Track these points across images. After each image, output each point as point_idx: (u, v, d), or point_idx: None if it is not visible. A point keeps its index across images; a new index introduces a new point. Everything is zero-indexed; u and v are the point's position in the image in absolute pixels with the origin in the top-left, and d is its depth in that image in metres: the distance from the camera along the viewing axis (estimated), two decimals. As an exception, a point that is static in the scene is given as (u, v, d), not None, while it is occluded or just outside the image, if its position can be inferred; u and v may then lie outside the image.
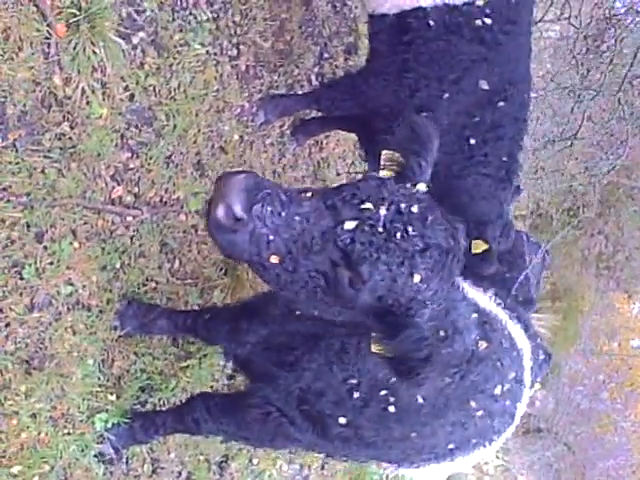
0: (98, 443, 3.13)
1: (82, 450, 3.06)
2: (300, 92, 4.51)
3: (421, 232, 2.03)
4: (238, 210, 1.91)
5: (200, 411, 3.02)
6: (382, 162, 2.24)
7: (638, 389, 10.59)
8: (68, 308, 2.99)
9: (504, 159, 3.43)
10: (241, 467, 4.07)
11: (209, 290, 3.71)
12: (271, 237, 1.98)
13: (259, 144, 4.20)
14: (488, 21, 3.28)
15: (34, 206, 2.82)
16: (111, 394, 3.18)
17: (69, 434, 3.01)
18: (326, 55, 4.94)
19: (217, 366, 3.80)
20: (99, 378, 3.13)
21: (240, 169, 2.11)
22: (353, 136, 4.64)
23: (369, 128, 3.79)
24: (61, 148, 2.94)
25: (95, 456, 3.12)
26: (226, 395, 3.53)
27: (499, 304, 2.92)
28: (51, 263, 2.91)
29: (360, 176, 2.38)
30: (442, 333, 2.18)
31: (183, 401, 3.39)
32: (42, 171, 2.87)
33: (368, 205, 2.03)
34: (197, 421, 3.04)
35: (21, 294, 2.82)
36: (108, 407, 3.15)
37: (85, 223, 3.04)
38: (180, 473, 3.65)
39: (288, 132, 4.46)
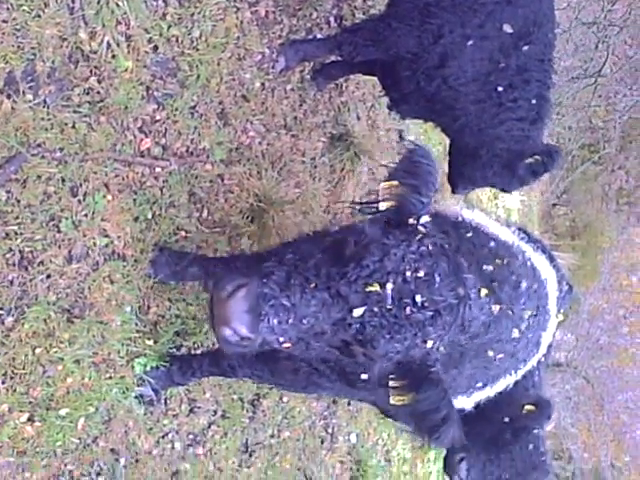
0: (138, 385, 3.28)
1: (123, 392, 3.22)
2: (319, 35, 4.47)
3: (429, 298, 2.09)
4: (245, 333, 2.05)
5: (236, 357, 3.10)
6: (381, 194, 2.27)
7: (658, 323, 10.66)
8: (105, 258, 3.10)
9: (533, 102, 3.41)
10: (272, 404, 4.24)
11: (237, 238, 3.79)
12: (281, 339, 2.12)
13: (280, 90, 4.20)
14: (510, -42, 3.22)
15: (67, 161, 2.90)
16: (148, 339, 3.31)
17: (111, 378, 3.16)
18: (344, -4, 4.86)
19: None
20: (136, 324, 3.26)
21: (237, 281, 2.12)
22: (373, 78, 4.62)
23: (392, 73, 3.77)
24: (90, 102, 2.99)
25: (136, 397, 3.29)
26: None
27: (522, 238, 2.95)
28: (86, 216, 3.00)
29: (362, 214, 2.40)
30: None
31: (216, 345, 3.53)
32: (73, 126, 2.93)
33: (374, 287, 2.08)
34: (233, 366, 3.15)
35: (60, 246, 2.92)
36: (146, 351, 3.29)
37: (116, 176, 3.12)
38: (215, 412, 3.82)
39: (308, 77, 4.45)
